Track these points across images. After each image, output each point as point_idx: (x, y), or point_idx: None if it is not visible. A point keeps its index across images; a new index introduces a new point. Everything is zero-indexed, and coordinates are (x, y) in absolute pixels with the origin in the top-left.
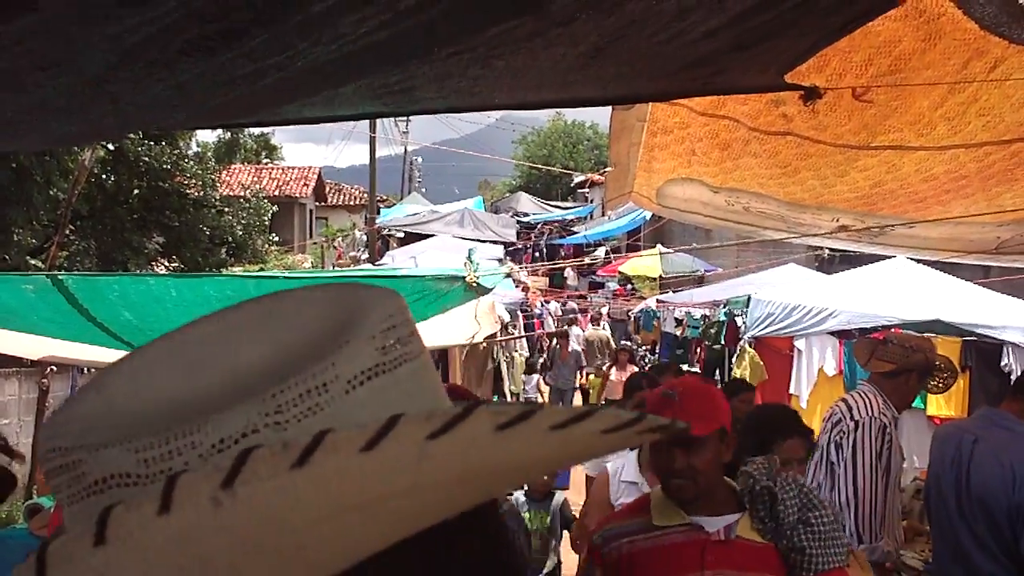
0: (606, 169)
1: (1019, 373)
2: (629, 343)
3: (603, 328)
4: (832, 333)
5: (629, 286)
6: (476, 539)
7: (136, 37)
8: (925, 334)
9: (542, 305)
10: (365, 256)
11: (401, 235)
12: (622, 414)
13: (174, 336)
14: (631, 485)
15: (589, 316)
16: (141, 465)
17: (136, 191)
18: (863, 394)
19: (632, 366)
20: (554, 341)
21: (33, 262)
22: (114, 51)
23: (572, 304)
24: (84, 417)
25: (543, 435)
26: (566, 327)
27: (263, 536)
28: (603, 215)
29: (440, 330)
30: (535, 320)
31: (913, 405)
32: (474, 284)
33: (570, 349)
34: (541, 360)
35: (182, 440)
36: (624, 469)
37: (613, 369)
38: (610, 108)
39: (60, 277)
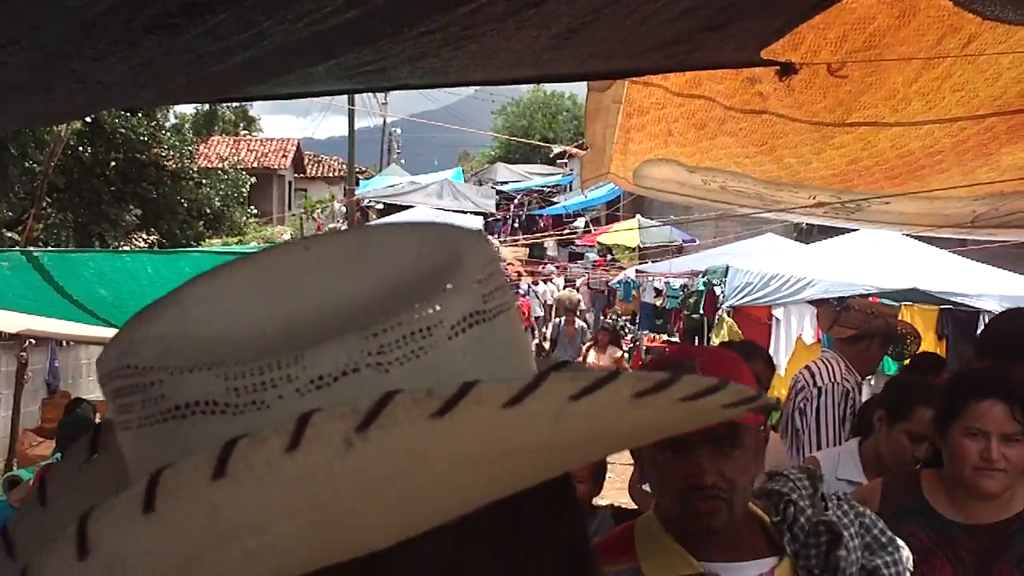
0: (584, 140)
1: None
2: (609, 321)
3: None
4: (810, 302)
5: (609, 256)
6: (560, 510)
7: (96, 10)
8: (902, 302)
9: (529, 287)
10: (344, 228)
11: (380, 206)
12: (744, 389)
13: (255, 261)
14: (851, 485)
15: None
16: (231, 394)
17: (113, 163)
18: (826, 361)
19: (614, 348)
20: (551, 322)
21: (9, 235)
22: (75, 26)
23: (551, 267)
24: (161, 337)
25: (673, 405)
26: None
27: (388, 482)
28: (582, 193)
29: None
30: (520, 299)
31: (888, 372)
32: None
33: (576, 326)
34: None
35: (277, 372)
36: (841, 462)
37: (592, 351)
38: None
39: (35, 254)
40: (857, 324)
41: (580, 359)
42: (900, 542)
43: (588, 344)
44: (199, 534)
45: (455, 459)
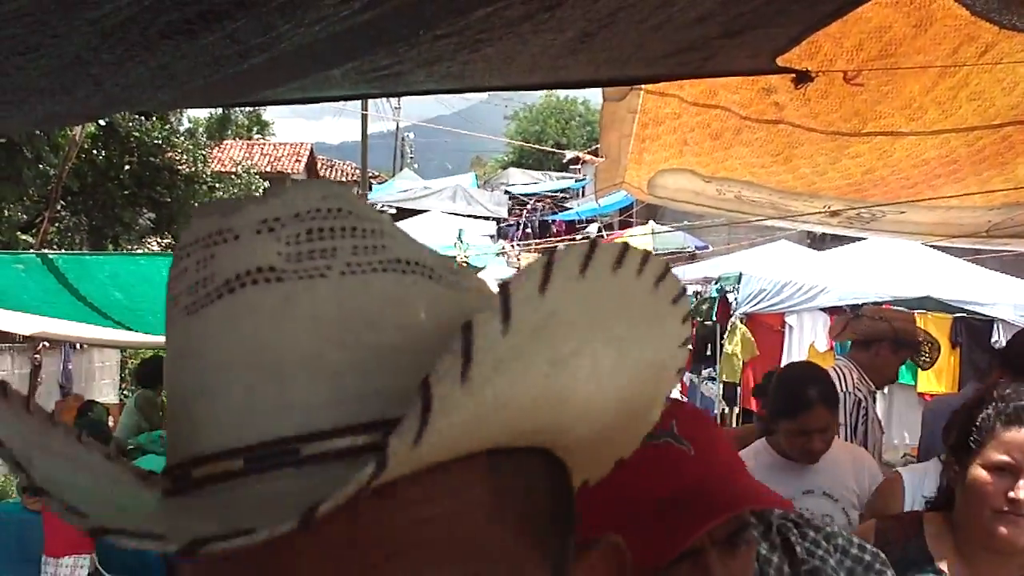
0: (597, 146)
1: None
2: None
3: None
4: (823, 309)
5: None
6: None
7: (116, 19)
8: (916, 311)
9: None
10: None
11: (393, 211)
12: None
13: None
14: None
15: None
16: (442, 269)
17: (127, 167)
18: (839, 369)
19: None
20: None
21: (24, 238)
22: (95, 34)
23: None
24: (354, 201)
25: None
26: None
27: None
28: (596, 202)
29: None
30: None
31: (904, 382)
32: (464, 264)
33: None
34: None
35: (463, 270)
36: (927, 479)
37: None
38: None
39: (50, 256)
40: (862, 330)
41: None
42: (883, 557)
43: None
44: (593, 320)
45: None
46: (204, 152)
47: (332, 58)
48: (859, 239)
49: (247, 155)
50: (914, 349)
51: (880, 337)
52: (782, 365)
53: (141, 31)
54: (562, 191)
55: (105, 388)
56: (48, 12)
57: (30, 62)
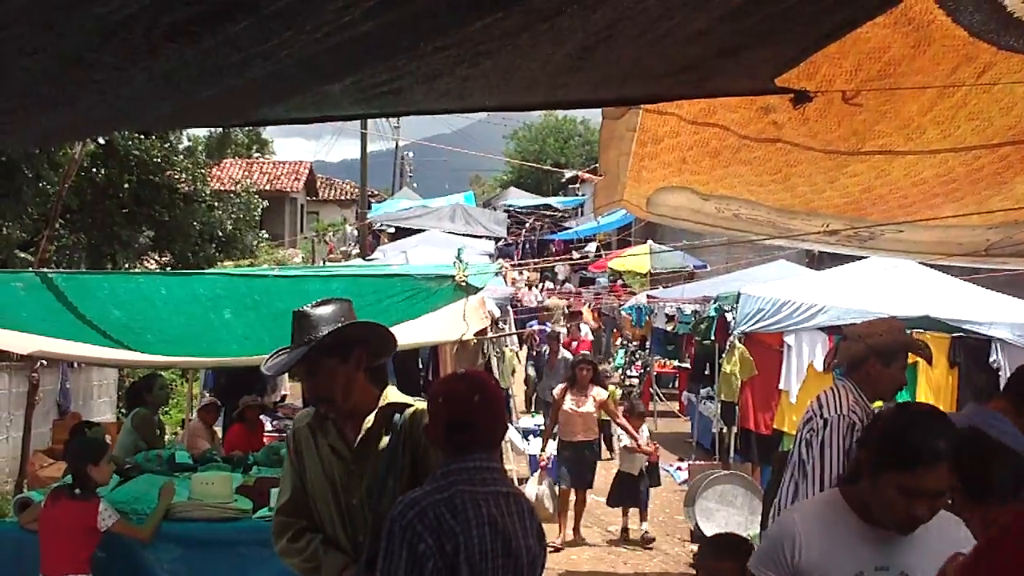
0: (596, 165)
1: (1007, 369)
2: (589, 354)
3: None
4: (822, 329)
5: (620, 281)
6: None
7: (119, 16)
8: (914, 330)
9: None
10: (356, 251)
11: (392, 230)
12: None
13: None
14: None
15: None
16: None
17: (126, 185)
18: (836, 390)
19: (597, 388)
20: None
21: (23, 256)
22: (98, 32)
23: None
24: None
25: None
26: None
27: None
28: (594, 219)
29: (430, 328)
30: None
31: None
32: (463, 283)
33: (559, 357)
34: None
35: None
36: None
37: (568, 395)
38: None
39: (50, 275)
40: (844, 356)
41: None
42: None
43: (562, 386)
44: None
45: None
46: (203, 171)
47: (332, 72)
48: (857, 258)
49: (246, 173)
50: (900, 354)
51: (862, 357)
52: (780, 385)
53: (144, 32)
54: (560, 209)
55: (103, 407)
56: (54, 9)
57: (35, 63)
